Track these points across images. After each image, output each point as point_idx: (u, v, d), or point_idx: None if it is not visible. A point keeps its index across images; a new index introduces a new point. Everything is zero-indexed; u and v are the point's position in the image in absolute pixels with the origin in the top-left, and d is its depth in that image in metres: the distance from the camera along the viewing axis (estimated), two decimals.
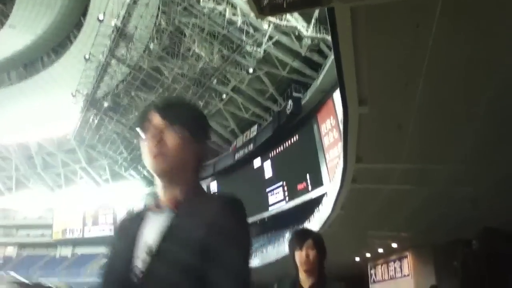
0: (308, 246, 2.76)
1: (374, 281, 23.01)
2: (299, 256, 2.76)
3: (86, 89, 38.11)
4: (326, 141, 27.59)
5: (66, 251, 53.48)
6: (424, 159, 9.39)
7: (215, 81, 32.21)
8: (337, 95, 24.51)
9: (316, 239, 2.88)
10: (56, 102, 43.40)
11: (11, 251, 54.75)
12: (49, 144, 49.62)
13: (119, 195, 49.09)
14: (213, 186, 41.01)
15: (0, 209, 55.48)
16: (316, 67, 27.32)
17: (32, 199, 54.57)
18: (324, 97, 26.93)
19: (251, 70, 29.63)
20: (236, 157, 36.01)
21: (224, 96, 33.25)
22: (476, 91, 6.74)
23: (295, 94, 28.45)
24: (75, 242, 52.99)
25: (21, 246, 54.77)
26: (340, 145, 18.61)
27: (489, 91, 6.61)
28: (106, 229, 50.40)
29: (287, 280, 2.87)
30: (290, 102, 28.35)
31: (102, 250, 51.28)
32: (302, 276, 2.79)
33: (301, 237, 2.82)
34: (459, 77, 6.47)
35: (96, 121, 39.91)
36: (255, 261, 28.05)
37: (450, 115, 7.50)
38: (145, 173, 45.65)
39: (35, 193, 54.63)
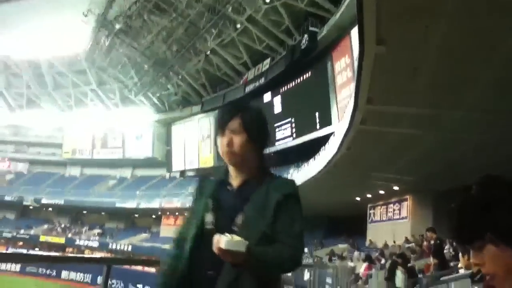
0: (232, 129, 1.78)
1: (372, 221, 23.68)
2: (220, 143, 1.81)
3: (98, 9, 37.15)
4: (339, 80, 27.13)
5: (75, 171, 54.93)
6: (436, 104, 9.25)
7: (230, 8, 31.14)
8: (355, 33, 23.68)
9: (246, 118, 1.81)
10: (67, 21, 42.51)
11: (22, 167, 56.42)
12: (60, 64, 49.24)
13: (128, 120, 49.54)
14: None
15: (12, 125, 56.50)
16: (336, 1, 26.17)
17: (43, 117, 55.26)
18: (341, 33, 26.06)
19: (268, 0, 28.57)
20: (246, 90, 35.70)
21: (238, 25, 32.28)
22: (497, 37, 6.45)
23: (311, 28, 27.50)
24: (84, 163, 54.26)
25: (32, 162, 56.26)
26: (352, 85, 18.28)
27: (510, 37, 6.33)
28: (115, 152, 51.37)
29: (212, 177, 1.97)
30: (305, 36, 27.50)
31: (110, 172, 52.83)
32: (232, 172, 1.89)
33: (224, 116, 1.83)
34: (481, 21, 6.17)
35: (107, 43, 39.29)
36: None
37: (467, 60, 7.26)
38: (155, 100, 45.74)
39: (45, 112, 55.22)
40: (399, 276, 9.66)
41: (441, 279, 7.49)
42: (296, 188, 1.78)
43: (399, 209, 21.02)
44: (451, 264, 9.34)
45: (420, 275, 10.51)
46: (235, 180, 1.84)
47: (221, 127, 1.81)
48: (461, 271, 6.43)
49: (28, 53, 49.29)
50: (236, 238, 1.53)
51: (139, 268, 32.98)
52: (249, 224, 1.66)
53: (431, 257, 9.73)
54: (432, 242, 9.83)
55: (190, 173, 47.05)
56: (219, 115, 1.89)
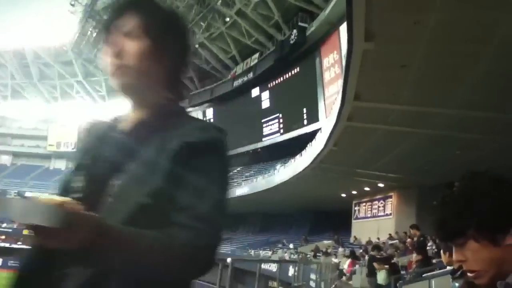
0: (126, 31, 1.09)
1: (357, 218, 23.80)
2: (106, 56, 1.16)
3: None
4: (327, 76, 27.17)
5: (60, 164, 54.24)
6: (424, 102, 9.27)
7: (219, 1, 30.96)
8: (343, 29, 23.75)
9: (148, 12, 1.09)
10: (54, 11, 41.93)
11: (6, 159, 55.51)
12: (46, 54, 48.57)
13: (114, 113, 48.94)
14: (209, 113, 40.97)
15: None
16: None
17: (28, 109, 54.43)
18: (330, 29, 26.08)
19: None
20: (234, 85, 35.60)
21: (227, 19, 32.14)
22: (486, 31, 6.47)
23: (300, 24, 27.52)
24: (69, 156, 53.67)
25: (16, 155, 55.48)
26: (340, 81, 18.29)
27: (502, 29, 6.34)
28: None
29: None
30: (294, 31, 27.49)
31: None
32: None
33: (113, 11, 1.13)
34: (471, 17, 6.17)
35: (94, 34, 38.81)
36: (244, 189, 28.79)
37: (456, 56, 7.26)
38: None
39: (30, 104, 54.40)
40: (381, 275, 9.71)
41: (423, 275, 7.54)
42: (216, 135, 1.06)
43: (384, 206, 21.17)
44: (434, 261, 9.42)
45: (403, 272, 10.58)
46: (128, 120, 1.14)
47: (107, 28, 1.11)
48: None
49: (13, 43, 48.45)
50: (56, 200, 0.77)
51: None
52: (126, 190, 0.97)
53: (414, 253, 9.81)
54: (415, 239, 9.90)
55: None
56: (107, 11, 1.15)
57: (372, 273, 10.24)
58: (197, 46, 35.62)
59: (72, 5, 36.42)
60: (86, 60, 45.60)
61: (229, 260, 4.68)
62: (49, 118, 52.93)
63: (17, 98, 54.51)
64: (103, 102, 50.43)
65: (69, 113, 51.69)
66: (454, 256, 1.08)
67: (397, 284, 7.61)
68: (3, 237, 43.53)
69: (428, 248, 10.27)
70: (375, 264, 9.97)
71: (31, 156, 54.89)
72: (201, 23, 32.75)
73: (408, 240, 12.77)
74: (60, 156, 53.97)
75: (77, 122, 51.45)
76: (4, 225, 44.59)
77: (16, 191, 47.25)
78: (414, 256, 8.55)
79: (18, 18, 44.94)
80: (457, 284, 2.78)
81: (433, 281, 6.51)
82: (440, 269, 7.53)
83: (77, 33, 39.95)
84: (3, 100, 55.33)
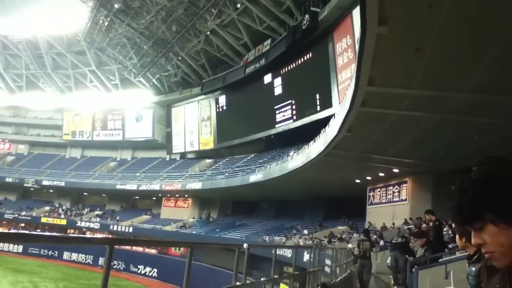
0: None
1: (371, 203, 23.74)
2: None
3: None
4: (340, 61, 26.91)
5: (76, 153, 55.02)
6: (438, 86, 9.16)
7: None
8: (356, 13, 23.41)
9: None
10: (65, 0, 42.02)
11: (23, 148, 56.49)
12: (59, 44, 48.89)
13: (128, 102, 49.36)
14: (222, 100, 40.99)
15: (12, 107, 56.34)
16: None
17: (42, 99, 55.06)
18: (343, 13, 25.77)
19: None
20: (246, 71, 35.47)
21: (238, 5, 31.88)
22: (502, 12, 6.33)
23: (313, 9, 27.18)
24: (84, 145, 54.34)
25: (32, 144, 56.40)
26: (353, 66, 18.10)
27: None
28: (114, 134, 51.36)
29: None
30: (306, 16, 27.19)
31: (111, 154, 52.90)
32: None
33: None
34: None
35: (106, 23, 38.91)
36: (258, 176, 28.89)
37: (471, 40, 7.14)
38: (155, 81, 45.47)
39: (45, 93, 55.00)
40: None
41: (439, 260, 7.53)
42: None
43: (399, 192, 21.07)
44: (450, 246, 9.38)
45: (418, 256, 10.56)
46: None
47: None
48: (458, 253, 6.48)
49: (27, 33, 48.82)
50: None
51: (139, 249, 33.41)
52: None
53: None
54: (431, 224, 9.86)
55: (190, 155, 47.10)
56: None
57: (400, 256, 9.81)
58: (208, 33, 35.54)
59: None
60: (98, 49, 45.77)
61: (245, 245, 4.73)
62: (63, 108, 53.48)
63: (32, 89, 55.14)
64: (116, 91, 50.74)
65: (83, 102, 52.15)
66: (473, 240, 1.09)
67: (413, 269, 7.60)
68: (22, 224, 44.56)
69: (444, 233, 10.23)
70: (414, 240, 9.45)
71: (47, 145, 55.72)
72: (212, 10, 32.58)
73: (424, 225, 12.73)
74: (75, 145, 54.67)
75: (91, 111, 51.97)
76: (23, 213, 45.56)
77: (33, 179, 48.15)
78: (418, 241, 8.43)
79: (31, 8, 45.19)
80: (473, 269, 2.77)
81: (448, 266, 6.50)
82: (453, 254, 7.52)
83: (89, 22, 40.04)
84: (18, 91, 56.02)
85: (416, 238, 8.50)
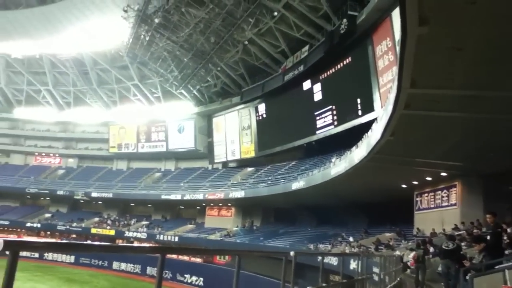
0: None
1: (419, 209, 22.98)
2: None
3: (137, 4, 37.89)
4: (381, 64, 26.40)
5: (122, 165, 56.91)
6: (483, 85, 8.80)
7: None
8: (396, 14, 22.94)
9: None
10: (108, 18, 43.64)
11: (72, 162, 59.15)
12: (103, 60, 50.80)
13: (170, 113, 50.51)
14: (261, 109, 41.15)
15: (61, 122, 59.03)
16: None
17: (89, 114, 57.35)
18: (381, 16, 25.30)
19: None
20: (285, 79, 35.48)
21: (275, 13, 32.01)
22: None
23: (350, 12, 26.83)
24: (130, 157, 56.05)
25: (81, 158, 58.92)
26: (395, 68, 17.69)
27: None
28: (158, 146, 52.63)
29: None
30: (344, 20, 26.88)
31: (155, 165, 54.24)
32: None
33: None
34: None
35: (147, 38, 40.07)
36: (300, 183, 28.70)
37: None
38: (195, 92, 46.29)
39: (91, 108, 57.23)
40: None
41: (496, 267, 7.16)
42: None
43: (448, 196, 20.30)
44: (506, 252, 8.93)
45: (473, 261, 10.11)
46: None
47: None
48: None
49: (73, 51, 51.06)
50: None
51: (185, 258, 33.92)
52: None
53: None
54: (482, 229, 9.44)
55: (232, 164, 47.50)
56: None
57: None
58: (246, 42, 35.85)
59: (125, 11, 37.74)
60: (140, 64, 47.15)
61: (292, 253, 4.68)
62: (109, 121, 55.45)
63: (79, 104, 57.55)
64: (158, 103, 52.05)
65: (127, 115, 53.84)
66: None
67: (466, 277, 7.26)
68: (74, 235, 46.32)
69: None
70: (473, 245, 9.17)
71: (95, 159, 58.05)
72: (249, 19, 32.86)
73: (475, 230, 12.22)
74: (121, 157, 56.49)
75: (135, 124, 53.54)
76: (74, 224, 47.39)
77: (83, 192, 50.04)
78: (477, 246, 8.09)
79: (76, 26, 47.21)
80: None
81: (507, 272, 6.18)
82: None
83: (131, 38, 41.36)
84: (67, 107, 58.61)
85: (474, 244, 8.18)
